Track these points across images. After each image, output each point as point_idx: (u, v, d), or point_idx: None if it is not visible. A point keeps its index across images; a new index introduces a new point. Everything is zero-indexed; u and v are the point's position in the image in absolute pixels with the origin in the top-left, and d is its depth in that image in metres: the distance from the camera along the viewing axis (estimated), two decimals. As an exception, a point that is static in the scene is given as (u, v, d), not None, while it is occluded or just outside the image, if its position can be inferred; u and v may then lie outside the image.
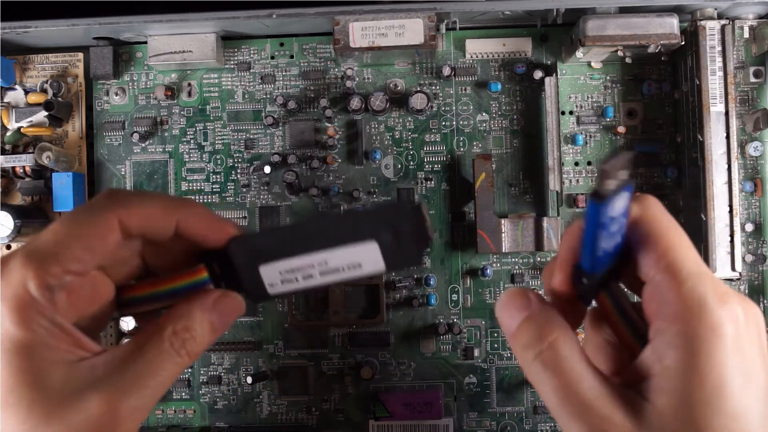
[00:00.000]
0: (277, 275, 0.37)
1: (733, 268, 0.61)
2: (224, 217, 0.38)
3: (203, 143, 0.68)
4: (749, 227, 0.65)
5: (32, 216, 0.66)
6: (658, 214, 0.34)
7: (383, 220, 0.36)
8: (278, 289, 0.38)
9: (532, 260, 0.67)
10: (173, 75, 0.69)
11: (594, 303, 0.38)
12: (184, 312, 0.36)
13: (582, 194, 0.66)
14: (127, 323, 0.65)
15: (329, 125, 0.68)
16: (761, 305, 0.66)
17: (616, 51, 0.62)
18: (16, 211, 0.64)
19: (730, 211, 0.61)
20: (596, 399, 0.32)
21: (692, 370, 0.30)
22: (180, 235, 0.37)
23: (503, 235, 0.63)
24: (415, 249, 0.37)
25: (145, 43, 0.67)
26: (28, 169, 0.65)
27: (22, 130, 0.67)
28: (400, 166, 0.68)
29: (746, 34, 0.65)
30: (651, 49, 0.61)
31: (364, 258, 0.37)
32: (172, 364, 0.35)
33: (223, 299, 0.38)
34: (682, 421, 0.30)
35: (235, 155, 0.68)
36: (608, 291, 0.36)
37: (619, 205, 0.32)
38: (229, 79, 0.69)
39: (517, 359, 0.36)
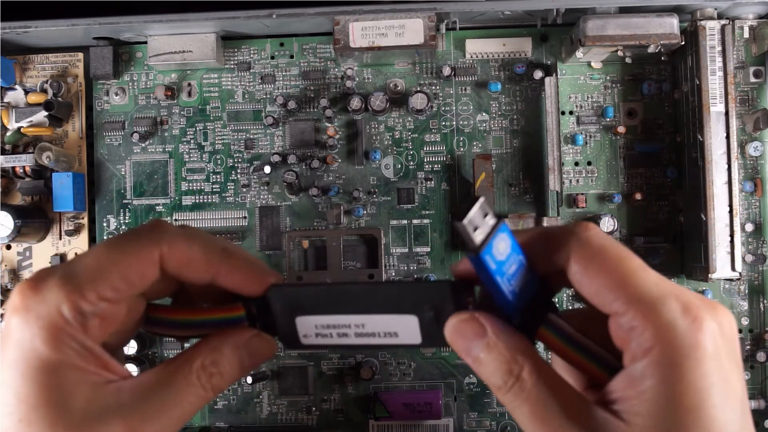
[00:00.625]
0: (313, 328, 0.37)
1: (733, 268, 0.61)
2: (265, 266, 0.38)
3: (203, 143, 0.68)
4: (749, 227, 0.65)
5: (32, 216, 0.66)
6: (601, 240, 0.33)
7: (427, 297, 0.36)
8: (311, 341, 0.38)
9: (532, 260, 0.67)
10: (173, 75, 0.69)
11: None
12: (215, 346, 0.36)
13: (582, 194, 0.66)
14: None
15: (329, 125, 0.68)
16: (761, 305, 0.66)
17: (616, 51, 0.62)
18: (16, 211, 0.64)
19: (730, 211, 0.61)
20: (572, 422, 0.31)
21: (671, 395, 0.30)
22: (216, 286, 0.37)
23: (503, 235, 0.63)
24: None
25: (145, 43, 0.67)
26: (28, 169, 0.65)
27: (22, 130, 0.67)
28: (400, 166, 0.68)
29: (746, 34, 0.65)
30: (651, 49, 0.61)
31: (402, 329, 0.36)
32: (197, 397, 0.35)
33: (256, 340, 0.37)
34: None
35: (235, 155, 0.68)
36: (548, 326, 0.35)
37: (501, 247, 0.32)
38: (229, 79, 0.69)
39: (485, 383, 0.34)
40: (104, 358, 0.33)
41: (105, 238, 0.68)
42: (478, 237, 0.31)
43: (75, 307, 0.32)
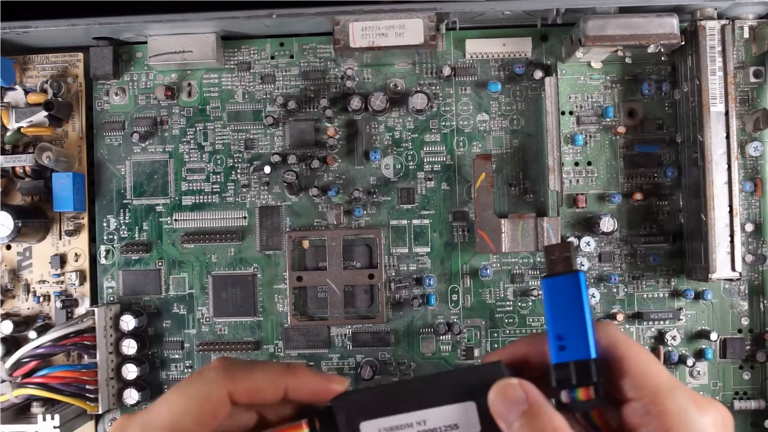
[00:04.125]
0: None
1: (733, 268, 0.61)
2: (329, 375, 0.39)
3: (203, 143, 0.68)
4: (749, 227, 0.65)
5: (32, 216, 0.66)
6: (620, 337, 0.36)
7: (482, 380, 0.37)
8: None
9: (531, 260, 0.67)
10: (173, 75, 0.69)
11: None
12: None
13: (582, 194, 0.66)
14: (127, 323, 0.65)
15: (329, 125, 0.68)
16: (761, 305, 0.66)
17: (616, 51, 0.62)
18: (16, 211, 0.64)
19: (730, 211, 0.61)
20: None
21: None
22: (288, 399, 0.38)
23: (503, 235, 0.63)
24: None
25: (145, 43, 0.67)
26: (28, 169, 0.65)
27: (22, 130, 0.67)
28: (400, 166, 0.68)
29: (746, 34, 0.65)
30: (651, 49, 0.61)
31: (462, 419, 0.37)
32: None
33: None
34: None
35: (235, 155, 0.68)
36: (586, 419, 0.37)
37: (572, 284, 0.36)
38: (229, 79, 0.69)
39: None
40: None
41: (104, 237, 0.68)
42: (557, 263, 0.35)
43: None
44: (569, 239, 0.33)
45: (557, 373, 0.36)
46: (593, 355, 0.35)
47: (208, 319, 0.68)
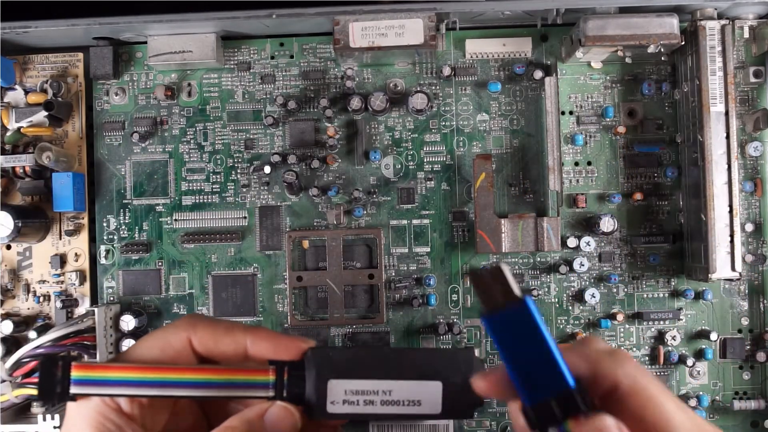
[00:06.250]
0: (342, 394, 0.38)
1: (733, 268, 0.61)
2: (293, 335, 0.40)
3: (203, 143, 0.68)
4: (749, 227, 0.65)
5: (32, 216, 0.66)
6: (635, 372, 0.33)
7: (456, 364, 0.37)
8: (337, 408, 0.38)
9: (532, 260, 0.67)
10: (173, 75, 0.69)
11: None
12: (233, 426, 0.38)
13: (582, 194, 0.66)
14: (127, 323, 0.65)
15: (329, 125, 0.68)
16: (761, 305, 0.66)
17: (616, 51, 0.62)
18: (16, 211, 0.64)
19: (730, 211, 0.61)
20: None
21: None
22: (254, 358, 0.39)
23: (503, 235, 0.63)
24: (471, 404, 0.38)
25: (145, 43, 0.67)
26: (28, 169, 0.65)
27: (22, 130, 0.67)
28: (400, 166, 0.68)
29: (746, 34, 0.65)
30: (651, 49, 0.61)
31: (426, 397, 0.38)
32: None
33: (281, 410, 0.38)
34: None
35: (235, 155, 0.68)
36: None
37: (521, 315, 0.32)
38: (229, 79, 0.69)
39: None
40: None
41: (104, 237, 0.68)
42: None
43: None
44: (500, 263, 0.30)
45: (537, 412, 0.32)
46: (572, 384, 0.32)
47: (208, 319, 0.68)
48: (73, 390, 0.36)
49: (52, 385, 0.36)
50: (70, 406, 0.37)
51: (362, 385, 0.38)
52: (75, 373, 0.36)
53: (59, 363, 0.36)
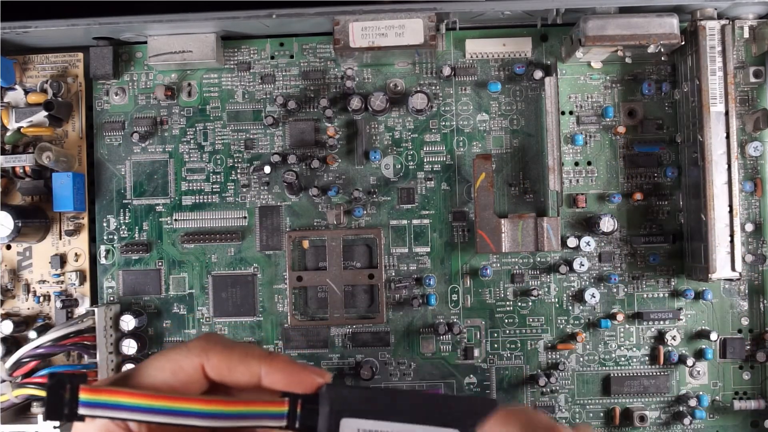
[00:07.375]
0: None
1: (733, 268, 0.61)
2: (309, 366, 0.39)
3: (203, 143, 0.68)
4: (749, 227, 0.65)
5: (32, 216, 0.66)
6: None
7: (476, 412, 0.37)
8: None
9: (532, 260, 0.67)
10: (173, 75, 0.69)
11: None
12: None
13: (582, 194, 0.67)
14: (127, 323, 0.65)
15: (329, 125, 0.68)
16: (761, 305, 0.66)
17: (616, 51, 0.62)
18: (16, 211, 0.64)
19: (730, 211, 0.61)
20: None
21: None
22: (265, 389, 0.38)
23: (503, 235, 0.63)
24: None
25: (145, 43, 0.67)
26: (28, 169, 0.65)
27: (22, 130, 0.67)
28: (400, 166, 0.68)
29: (746, 34, 0.65)
30: (651, 49, 0.61)
31: None
32: None
33: None
34: None
35: (235, 155, 0.68)
36: None
37: None
38: (229, 79, 0.69)
39: None
40: None
41: (104, 237, 0.68)
42: None
43: None
44: None
45: None
46: None
47: (208, 319, 0.68)
48: (81, 411, 0.36)
49: (60, 407, 0.36)
50: (77, 424, 0.37)
51: (376, 426, 0.37)
52: (83, 396, 0.36)
53: (67, 385, 0.36)
